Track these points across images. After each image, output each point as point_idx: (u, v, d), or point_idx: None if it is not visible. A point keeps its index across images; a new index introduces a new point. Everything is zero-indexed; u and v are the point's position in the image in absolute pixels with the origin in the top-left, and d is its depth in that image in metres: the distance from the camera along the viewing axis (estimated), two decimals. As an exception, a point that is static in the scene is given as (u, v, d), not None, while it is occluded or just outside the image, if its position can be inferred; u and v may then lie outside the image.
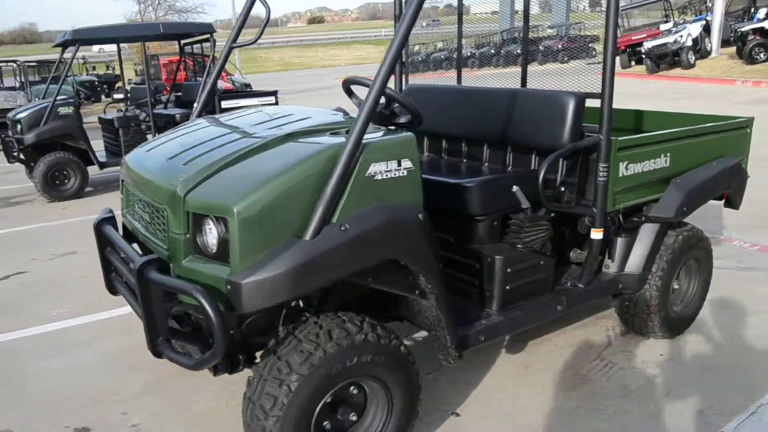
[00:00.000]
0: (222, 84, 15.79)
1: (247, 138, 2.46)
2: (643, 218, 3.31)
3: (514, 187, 2.87)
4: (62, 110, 7.88)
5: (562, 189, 3.14)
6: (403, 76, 4.21)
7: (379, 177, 2.26)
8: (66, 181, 8.01)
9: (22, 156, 8.03)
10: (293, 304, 2.61)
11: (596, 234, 3.03)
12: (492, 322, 2.82)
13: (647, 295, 3.40)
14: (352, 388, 2.41)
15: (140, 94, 9.38)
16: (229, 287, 2.08)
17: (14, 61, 13.95)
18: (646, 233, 3.32)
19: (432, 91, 3.82)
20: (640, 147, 3.12)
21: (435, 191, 2.97)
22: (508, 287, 2.90)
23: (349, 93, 2.89)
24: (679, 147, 3.30)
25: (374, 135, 2.35)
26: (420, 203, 2.37)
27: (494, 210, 2.93)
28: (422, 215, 2.35)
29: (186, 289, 2.06)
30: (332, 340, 2.26)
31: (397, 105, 2.96)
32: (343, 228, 2.16)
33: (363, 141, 2.23)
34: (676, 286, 3.62)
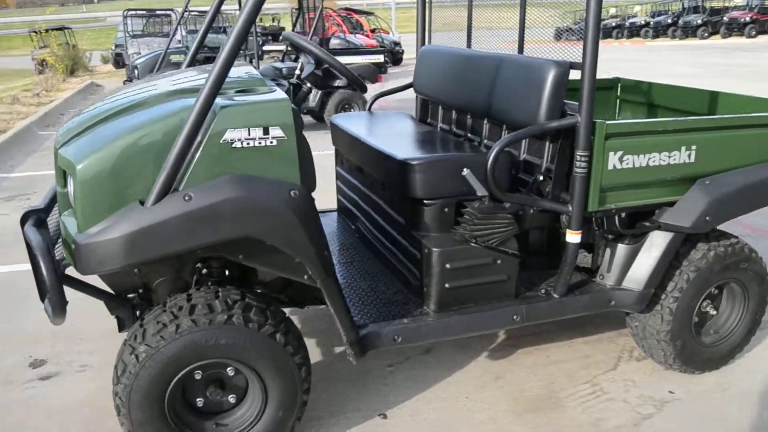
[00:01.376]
0: (362, 41, 15.76)
1: (144, 94, 2.32)
2: (654, 224, 2.68)
3: (465, 170, 2.45)
4: (174, 57, 8.36)
5: (541, 178, 2.63)
6: (427, 34, 3.80)
7: (238, 145, 2.00)
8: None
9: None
10: (205, 271, 2.47)
11: (572, 237, 2.50)
12: (418, 324, 2.46)
13: (658, 318, 2.79)
14: (229, 369, 2.23)
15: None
16: (73, 246, 1.99)
17: (171, 10, 15.12)
18: (656, 243, 2.69)
19: (441, 54, 3.39)
20: (643, 135, 2.49)
21: (385, 166, 2.64)
22: (447, 285, 2.51)
23: (297, 49, 2.64)
24: (711, 140, 2.60)
25: (242, 97, 2.09)
26: (295, 179, 2.08)
27: (443, 194, 2.52)
28: (296, 193, 2.06)
29: (27, 240, 2.01)
30: (190, 316, 2.10)
31: (326, 66, 2.66)
32: (186, 197, 1.96)
33: (224, 103, 2.00)
34: (713, 312, 2.93)
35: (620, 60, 19.43)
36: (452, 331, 2.51)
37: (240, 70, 2.52)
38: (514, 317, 2.58)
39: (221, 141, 1.98)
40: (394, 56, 19.65)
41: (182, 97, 2.16)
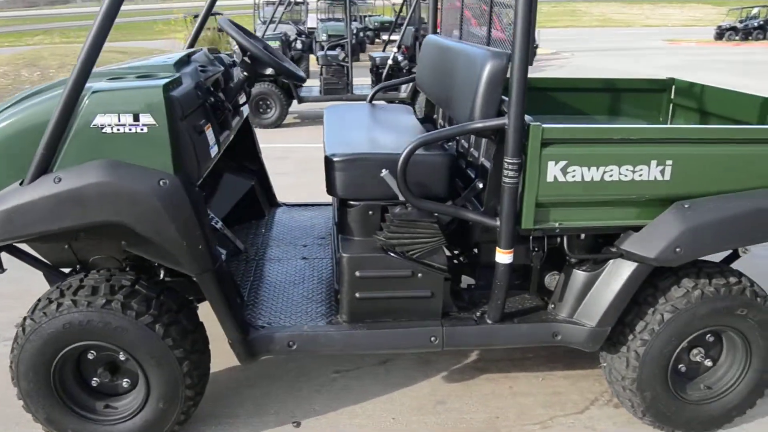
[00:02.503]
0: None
1: None
2: (616, 251, 2.27)
3: (384, 170, 2.22)
4: (271, 44, 8.63)
5: (480, 186, 2.33)
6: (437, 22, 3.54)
7: (108, 130, 1.96)
8: (268, 110, 8.82)
9: (236, 84, 9.08)
10: None
11: (501, 257, 2.18)
12: (316, 333, 2.29)
13: (624, 362, 2.37)
14: (121, 354, 2.21)
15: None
16: None
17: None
18: (616, 273, 2.27)
19: (429, 45, 3.13)
20: (594, 144, 2.09)
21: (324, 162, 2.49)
22: (357, 295, 2.30)
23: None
24: (694, 155, 2.13)
25: (117, 83, 2.04)
26: (167, 167, 1.99)
27: (365, 196, 2.32)
28: (165, 182, 1.97)
29: None
30: (73, 296, 2.12)
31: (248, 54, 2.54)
32: (56, 179, 1.96)
33: (97, 88, 1.98)
34: (708, 363, 2.44)
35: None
36: (355, 346, 2.31)
37: (164, 57, 2.47)
38: (432, 339, 2.31)
39: (91, 126, 1.96)
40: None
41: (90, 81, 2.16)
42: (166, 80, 2.03)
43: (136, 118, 1.95)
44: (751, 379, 2.41)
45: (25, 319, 2.16)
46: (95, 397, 2.30)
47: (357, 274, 2.28)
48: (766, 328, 2.34)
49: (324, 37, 14.30)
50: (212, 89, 2.36)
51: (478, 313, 2.38)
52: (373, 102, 3.48)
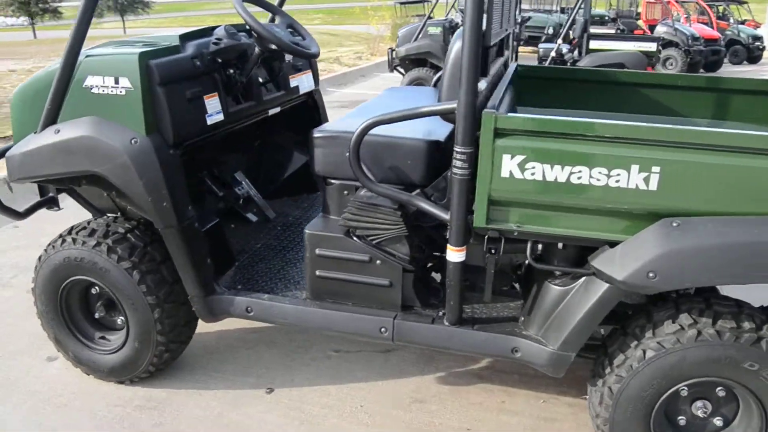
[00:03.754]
0: (698, 30, 13.60)
1: None
2: (587, 267, 1.95)
3: (348, 152, 2.17)
4: (431, 29, 8.66)
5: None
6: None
7: (95, 90, 2.18)
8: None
9: (399, 68, 9.26)
10: None
11: (452, 255, 2.00)
12: (272, 303, 2.31)
13: (598, 396, 2.05)
14: (111, 292, 2.46)
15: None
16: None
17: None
18: (587, 292, 1.95)
19: None
20: (559, 138, 1.81)
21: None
22: (317, 273, 2.28)
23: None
24: (691, 164, 1.74)
25: (108, 49, 2.23)
26: (140, 127, 2.15)
27: (340, 175, 2.28)
28: (136, 140, 2.14)
29: None
30: (74, 236, 2.41)
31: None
32: (56, 131, 2.23)
33: (90, 53, 2.21)
34: (717, 422, 2.01)
35: None
36: (305, 322, 2.29)
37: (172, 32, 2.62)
38: (382, 330, 2.21)
39: (83, 86, 2.20)
40: (751, 52, 16.38)
41: (108, 47, 2.41)
42: (147, 49, 2.19)
43: (116, 81, 2.15)
44: None
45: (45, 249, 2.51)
46: (96, 327, 2.59)
47: (317, 251, 2.26)
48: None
49: (550, 30, 13.86)
50: (220, 61, 2.47)
51: (440, 313, 2.22)
52: None
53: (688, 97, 2.95)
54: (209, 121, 2.40)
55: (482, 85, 2.04)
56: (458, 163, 1.88)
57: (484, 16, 1.84)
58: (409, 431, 2.38)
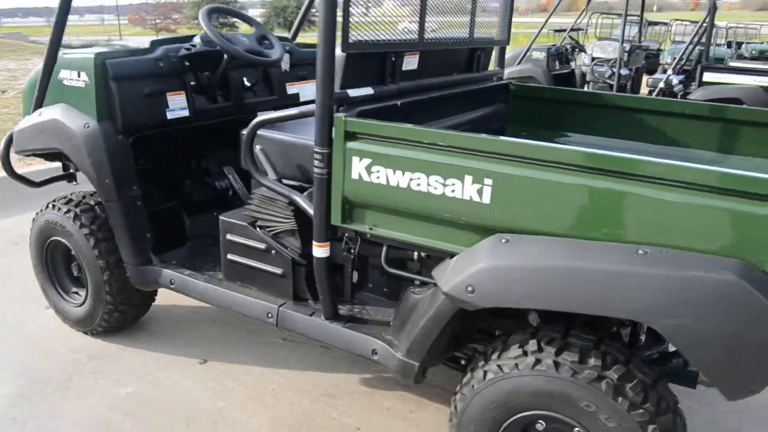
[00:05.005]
0: None
1: None
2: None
3: (257, 147, 2.35)
4: (535, 54, 8.52)
5: None
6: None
7: (66, 82, 2.58)
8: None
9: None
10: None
11: (316, 250, 2.10)
12: (191, 279, 2.54)
13: (452, 408, 2.02)
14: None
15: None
16: None
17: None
18: (431, 302, 1.93)
19: None
20: (398, 144, 1.84)
21: None
22: (228, 256, 2.48)
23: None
24: (525, 178, 1.69)
25: (79, 51, 2.59)
26: (93, 115, 2.49)
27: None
28: (87, 125, 2.49)
29: None
30: (49, 207, 2.85)
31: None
32: (39, 113, 2.67)
33: (65, 53, 2.62)
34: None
35: None
36: (209, 298, 2.50)
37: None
38: (268, 315, 2.34)
39: (58, 77, 2.61)
40: None
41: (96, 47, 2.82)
42: (105, 50, 2.54)
43: (78, 75, 2.52)
44: None
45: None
46: (72, 283, 3.00)
47: (227, 236, 2.46)
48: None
49: (669, 59, 13.04)
50: (187, 64, 2.76)
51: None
52: None
53: (694, 127, 2.75)
54: (170, 115, 2.70)
55: (366, 90, 2.11)
56: (317, 163, 1.98)
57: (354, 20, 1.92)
58: (303, 419, 2.48)
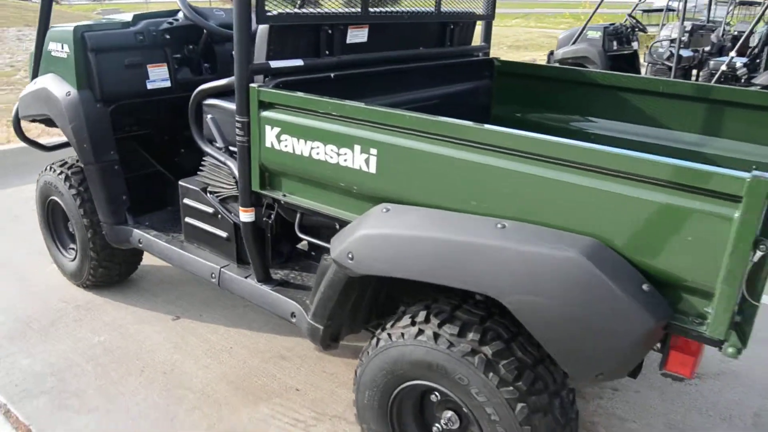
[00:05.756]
0: None
1: None
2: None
3: (208, 116, 2.48)
4: (590, 33, 8.18)
5: None
6: None
7: (54, 54, 2.80)
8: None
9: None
10: None
11: (242, 215, 2.21)
12: (155, 240, 2.71)
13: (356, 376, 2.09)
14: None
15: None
16: None
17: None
18: (331, 267, 1.99)
19: None
20: (301, 113, 1.90)
21: None
22: (186, 219, 2.64)
23: None
24: (406, 149, 1.71)
25: (66, 25, 2.78)
26: (74, 84, 2.70)
27: (209, 138, 2.60)
28: (68, 93, 2.70)
29: None
30: (47, 169, 3.11)
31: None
32: (34, 82, 2.92)
33: (55, 27, 2.82)
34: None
35: None
36: (165, 257, 2.67)
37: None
38: (212, 275, 2.48)
39: (48, 49, 2.84)
40: None
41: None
42: (86, 23, 2.74)
43: (62, 47, 2.74)
44: None
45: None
46: (70, 239, 3.28)
47: (184, 200, 2.61)
48: (506, 424, 1.66)
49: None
50: (168, 37, 2.91)
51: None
52: None
53: (683, 108, 2.64)
54: (150, 86, 2.88)
55: (295, 62, 2.18)
56: (238, 131, 2.08)
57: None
58: (247, 377, 2.62)
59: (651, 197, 1.34)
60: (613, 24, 8.45)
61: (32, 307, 3.09)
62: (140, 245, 2.80)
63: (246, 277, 2.39)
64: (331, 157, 1.87)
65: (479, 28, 3.16)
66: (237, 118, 2.07)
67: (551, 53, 8.85)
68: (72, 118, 2.72)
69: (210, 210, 2.51)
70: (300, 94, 1.92)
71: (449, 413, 1.86)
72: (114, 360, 2.69)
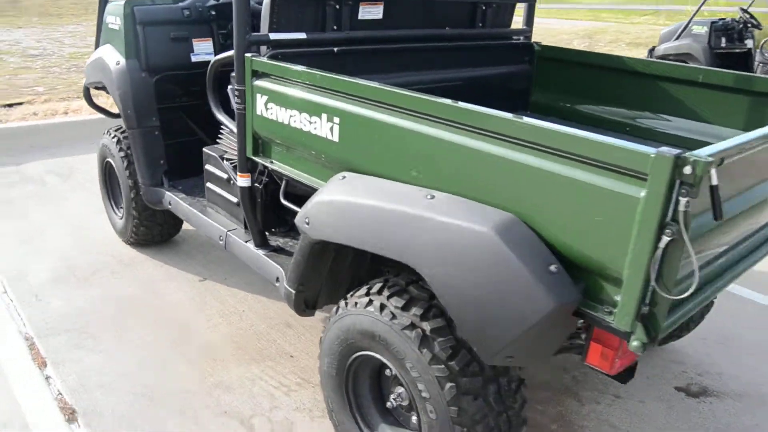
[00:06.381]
0: None
1: None
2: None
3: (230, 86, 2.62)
4: (695, 29, 7.61)
5: None
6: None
7: (110, 26, 3.05)
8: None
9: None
10: None
11: (239, 180, 2.31)
12: (180, 202, 2.89)
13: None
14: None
15: None
16: None
17: None
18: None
19: None
20: (286, 82, 1.96)
21: None
22: (207, 184, 2.79)
23: None
24: (364, 119, 1.73)
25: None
26: (123, 54, 2.92)
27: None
28: (118, 62, 2.93)
29: None
30: (105, 134, 3.40)
31: None
32: (95, 52, 3.21)
33: (113, 2, 3.05)
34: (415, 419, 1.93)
35: None
36: (189, 220, 2.85)
37: None
38: (220, 237, 2.61)
39: (105, 22, 3.09)
40: None
41: None
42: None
43: (115, 20, 2.98)
44: None
45: None
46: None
47: (206, 167, 2.77)
48: (435, 402, 1.64)
49: None
50: (213, 14, 3.08)
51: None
52: None
53: (729, 100, 2.48)
54: (194, 59, 3.06)
55: (297, 35, 2.24)
56: (236, 99, 2.18)
57: None
58: (250, 340, 2.73)
59: (563, 172, 1.27)
60: (723, 19, 7.79)
61: (82, 258, 3.39)
62: (170, 206, 3.00)
63: (246, 242, 2.50)
64: (305, 125, 1.92)
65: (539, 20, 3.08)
66: (235, 87, 2.16)
67: (652, 49, 8.31)
68: (120, 86, 2.95)
69: (224, 176, 2.64)
70: (280, 63, 1.98)
71: (401, 389, 1.85)
72: (134, 311, 2.91)
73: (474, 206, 1.45)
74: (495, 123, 1.38)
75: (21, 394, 2.33)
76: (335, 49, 2.33)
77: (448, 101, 1.47)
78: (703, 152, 1.11)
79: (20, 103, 5.73)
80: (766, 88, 2.31)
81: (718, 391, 2.59)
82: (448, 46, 2.69)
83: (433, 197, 1.52)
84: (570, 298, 1.31)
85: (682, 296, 1.18)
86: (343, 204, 1.71)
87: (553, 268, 1.31)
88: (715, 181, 1.14)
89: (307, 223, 1.82)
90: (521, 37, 3.06)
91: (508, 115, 1.34)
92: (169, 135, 3.10)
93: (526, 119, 1.32)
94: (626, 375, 2.14)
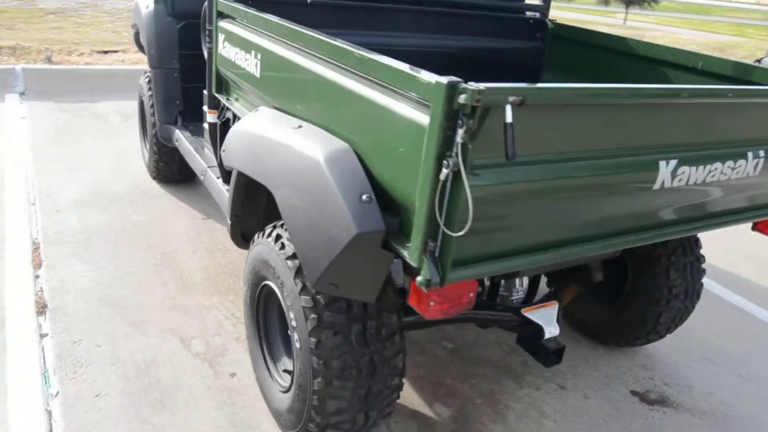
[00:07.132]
0: None
1: None
2: None
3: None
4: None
5: None
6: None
7: (142, 8, 3.28)
8: None
9: None
10: None
11: (207, 116, 2.46)
12: (188, 145, 3.08)
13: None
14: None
15: None
16: None
17: None
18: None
19: None
20: (238, 24, 2.06)
21: None
22: (204, 124, 2.94)
23: None
24: (279, 57, 1.79)
25: None
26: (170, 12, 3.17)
27: None
28: (148, 6, 3.17)
29: None
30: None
31: None
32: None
33: None
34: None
35: None
36: (185, 156, 3.06)
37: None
38: (201, 173, 2.79)
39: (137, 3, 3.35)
40: None
41: None
42: None
43: (148, 6, 3.20)
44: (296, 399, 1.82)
45: None
46: None
47: (203, 107, 2.93)
48: (300, 331, 1.68)
49: None
50: None
51: None
52: None
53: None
54: None
55: None
56: (205, 39, 2.31)
57: None
58: (224, 270, 2.89)
59: (371, 97, 1.28)
60: None
61: (112, 185, 3.71)
62: (176, 143, 3.22)
63: (218, 178, 2.64)
64: (242, 61, 2.01)
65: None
66: (207, 27, 2.29)
67: (758, 61, 7.56)
68: (147, 28, 3.20)
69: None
70: (232, 3, 2.08)
71: None
72: (135, 235, 3.16)
73: (324, 136, 1.48)
74: (313, 42, 1.42)
75: (8, 285, 2.64)
76: (308, 0, 2.39)
77: (302, 28, 1.51)
78: (485, 84, 1.06)
79: (115, 51, 6.29)
80: (764, 78, 2.11)
81: (679, 404, 2.39)
82: (443, 12, 2.65)
83: (300, 126, 1.56)
84: (373, 227, 1.29)
85: (459, 234, 1.13)
86: (245, 134, 1.79)
87: (365, 197, 1.31)
88: (509, 119, 1.09)
89: (224, 153, 1.92)
90: (538, 14, 2.95)
91: (324, 36, 1.37)
92: (188, 79, 3.30)
93: (339, 41, 1.35)
94: (550, 358, 2.07)
